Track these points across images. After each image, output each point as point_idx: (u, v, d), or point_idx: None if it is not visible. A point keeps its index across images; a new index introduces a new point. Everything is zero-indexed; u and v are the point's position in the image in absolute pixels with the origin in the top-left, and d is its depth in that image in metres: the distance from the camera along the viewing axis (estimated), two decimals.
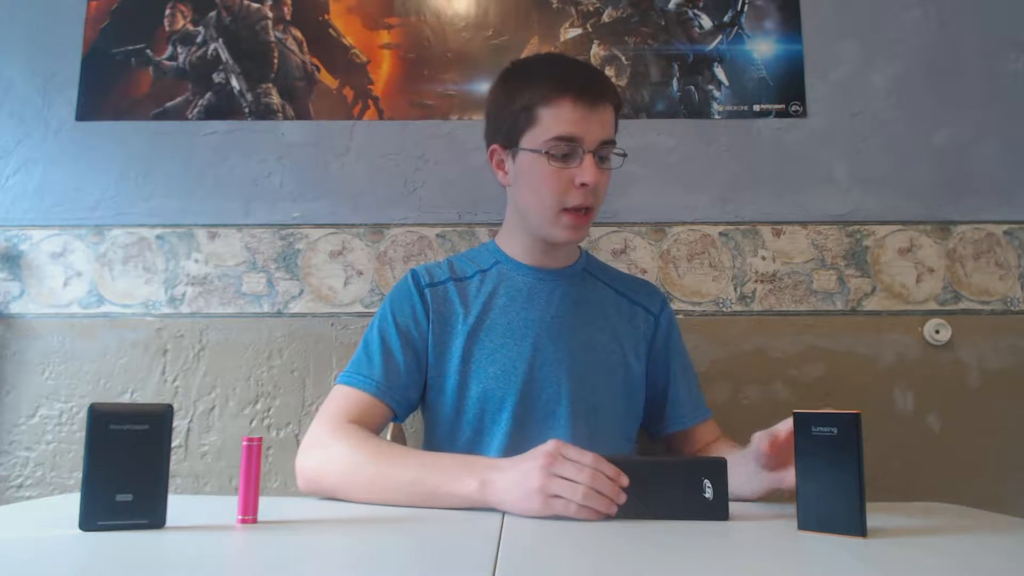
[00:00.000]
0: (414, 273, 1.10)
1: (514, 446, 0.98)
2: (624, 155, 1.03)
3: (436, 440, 1.06)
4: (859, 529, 0.64)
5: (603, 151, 1.00)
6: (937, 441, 1.43)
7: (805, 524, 0.68)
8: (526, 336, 1.05)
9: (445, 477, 0.80)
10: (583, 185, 0.97)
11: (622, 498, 0.72)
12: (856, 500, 0.65)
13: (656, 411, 1.14)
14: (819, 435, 0.68)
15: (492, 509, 0.77)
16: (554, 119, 0.97)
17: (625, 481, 0.72)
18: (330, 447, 0.90)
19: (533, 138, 0.99)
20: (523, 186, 1.03)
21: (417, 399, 1.06)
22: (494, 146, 1.07)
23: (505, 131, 1.03)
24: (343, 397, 0.98)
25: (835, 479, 0.66)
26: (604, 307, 1.11)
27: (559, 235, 1.02)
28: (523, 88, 1.00)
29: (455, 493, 0.78)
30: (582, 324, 1.07)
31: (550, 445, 0.75)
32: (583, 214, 1.00)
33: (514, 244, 1.11)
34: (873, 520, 0.76)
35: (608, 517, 0.72)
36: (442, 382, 1.05)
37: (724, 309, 1.48)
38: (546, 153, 0.98)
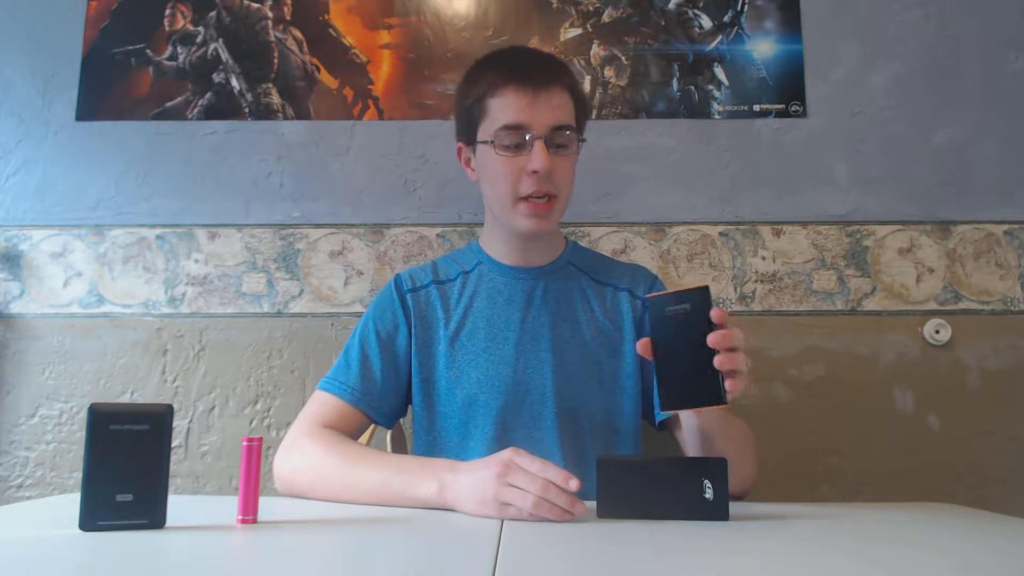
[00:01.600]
0: (397, 279, 1.10)
1: (501, 449, 0.98)
2: (583, 140, 1.03)
3: (424, 444, 1.06)
4: (719, 397, 0.66)
5: (558, 137, 0.98)
6: (937, 441, 1.43)
7: (668, 404, 0.70)
8: (508, 339, 1.04)
9: (407, 480, 0.82)
10: (535, 172, 0.96)
11: (579, 508, 0.72)
12: (712, 369, 0.66)
13: (650, 398, 1.10)
14: (673, 314, 0.69)
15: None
16: (501, 108, 0.97)
17: (575, 486, 0.72)
18: (304, 450, 0.93)
19: (485, 130, 1.00)
20: (483, 179, 1.04)
21: (399, 405, 1.06)
22: (459, 144, 1.08)
23: (464, 127, 1.04)
24: (320, 403, 1.00)
25: (691, 354, 0.68)
26: (587, 300, 1.09)
27: (521, 225, 1.01)
28: (475, 82, 1.01)
29: (416, 496, 0.81)
30: (564, 321, 1.06)
31: (506, 454, 0.76)
32: (544, 202, 0.99)
33: (494, 244, 1.11)
34: (873, 520, 0.76)
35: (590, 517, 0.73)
36: (427, 388, 1.04)
37: (724, 309, 1.48)
38: (494, 143, 0.98)
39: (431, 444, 1.04)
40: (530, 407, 1.02)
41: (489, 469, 0.75)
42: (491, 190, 1.03)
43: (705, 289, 0.67)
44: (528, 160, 0.96)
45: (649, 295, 0.71)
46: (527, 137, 0.97)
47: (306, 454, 0.92)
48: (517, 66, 0.99)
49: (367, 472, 0.86)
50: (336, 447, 0.91)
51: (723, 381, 0.68)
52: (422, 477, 0.81)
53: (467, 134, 1.05)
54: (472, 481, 0.76)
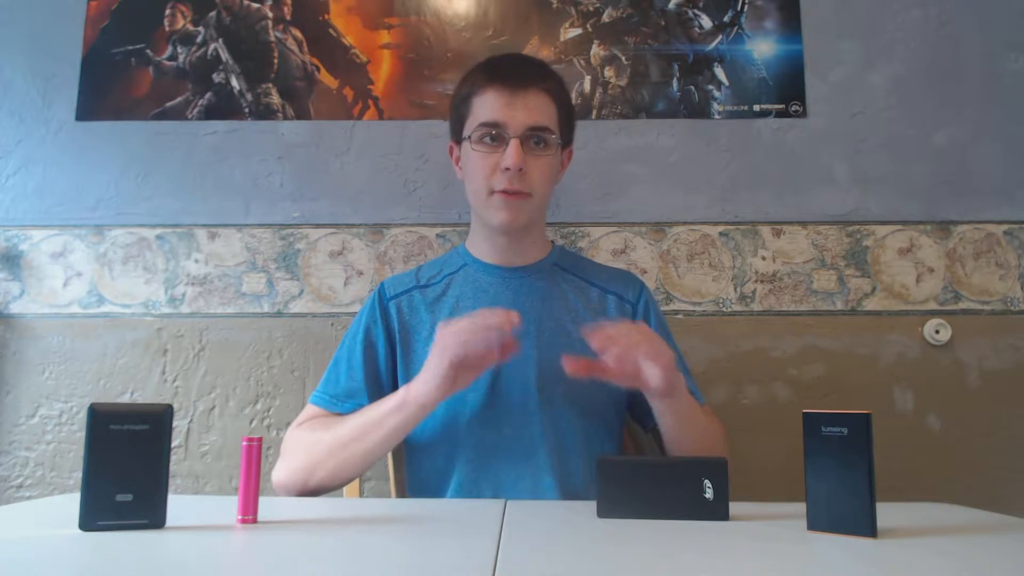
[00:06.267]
0: (380, 287, 1.13)
1: (488, 446, 1.00)
2: (562, 144, 1.07)
3: (411, 444, 1.07)
4: (869, 530, 0.65)
5: (535, 138, 1.02)
6: (937, 441, 1.43)
7: (815, 524, 0.68)
8: None
9: (379, 408, 0.92)
10: (507, 169, 1.00)
11: (493, 316, 0.85)
12: (867, 501, 0.65)
13: (638, 402, 1.08)
14: (829, 435, 0.68)
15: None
16: (481, 107, 1.02)
17: (515, 319, 0.85)
18: (293, 445, 1.01)
19: (468, 127, 1.05)
20: (465, 174, 1.09)
21: None
22: (451, 142, 1.13)
23: (454, 125, 1.10)
24: (308, 416, 1.05)
25: (845, 479, 0.66)
26: (573, 299, 1.10)
27: (494, 217, 1.04)
28: (465, 82, 1.07)
29: (388, 410, 0.91)
30: (550, 317, 1.07)
31: (439, 338, 0.87)
32: (515, 195, 1.02)
33: (478, 244, 1.13)
34: None
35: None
36: None
37: (724, 309, 1.48)
38: (471, 138, 1.03)
39: (417, 443, 1.06)
40: (515, 402, 1.03)
41: (434, 355, 0.87)
42: (469, 183, 1.07)
43: (867, 417, 0.67)
44: (503, 157, 1.00)
45: (807, 411, 0.70)
46: (504, 135, 1.01)
47: (296, 446, 0.99)
48: (500, 67, 1.04)
49: (346, 425, 0.94)
50: (320, 426, 0.99)
51: (875, 515, 0.66)
52: (388, 398, 0.92)
53: (456, 132, 1.09)
54: (429, 369, 0.88)
